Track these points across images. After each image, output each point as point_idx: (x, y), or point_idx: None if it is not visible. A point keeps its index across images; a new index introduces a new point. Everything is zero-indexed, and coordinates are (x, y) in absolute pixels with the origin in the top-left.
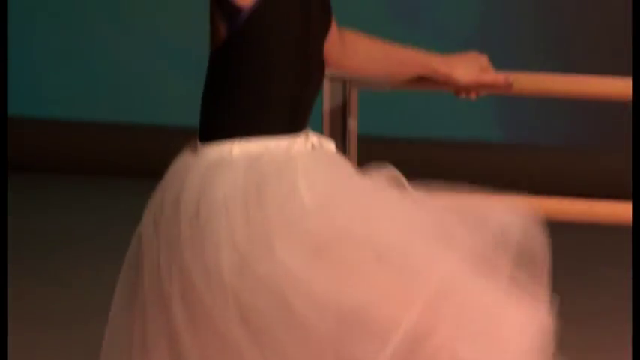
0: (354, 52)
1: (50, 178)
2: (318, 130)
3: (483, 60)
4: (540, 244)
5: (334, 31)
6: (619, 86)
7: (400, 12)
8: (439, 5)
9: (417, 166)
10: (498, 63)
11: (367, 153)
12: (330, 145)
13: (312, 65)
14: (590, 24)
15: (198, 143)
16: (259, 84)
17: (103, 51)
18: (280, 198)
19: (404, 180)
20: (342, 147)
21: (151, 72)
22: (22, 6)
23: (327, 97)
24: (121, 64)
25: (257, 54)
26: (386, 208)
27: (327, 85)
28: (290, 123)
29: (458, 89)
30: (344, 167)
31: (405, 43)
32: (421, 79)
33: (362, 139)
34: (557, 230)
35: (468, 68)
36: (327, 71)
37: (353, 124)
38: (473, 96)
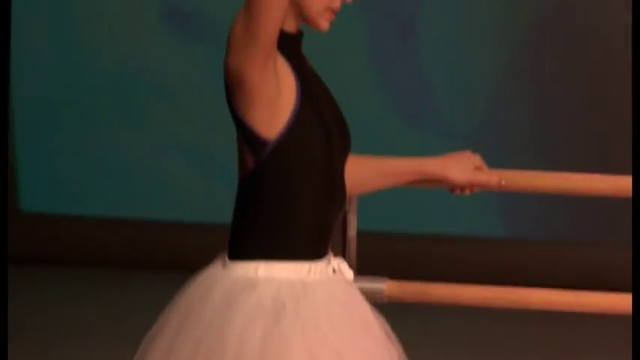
0: (347, 176)
1: (68, 270)
2: None
3: (476, 159)
4: None
5: None
6: (609, 183)
7: (405, 112)
8: (443, 106)
9: (417, 262)
10: (499, 159)
11: (367, 249)
12: (349, 273)
13: (335, 192)
14: (586, 126)
15: (227, 259)
16: (285, 211)
17: (119, 149)
18: (298, 328)
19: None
20: (342, 254)
21: (166, 168)
22: (40, 104)
23: None
24: (137, 160)
25: (283, 183)
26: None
27: None
28: (314, 247)
29: (453, 188)
30: (358, 306)
31: (410, 141)
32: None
33: (362, 235)
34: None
35: (462, 169)
36: None
37: (352, 234)
38: (467, 193)
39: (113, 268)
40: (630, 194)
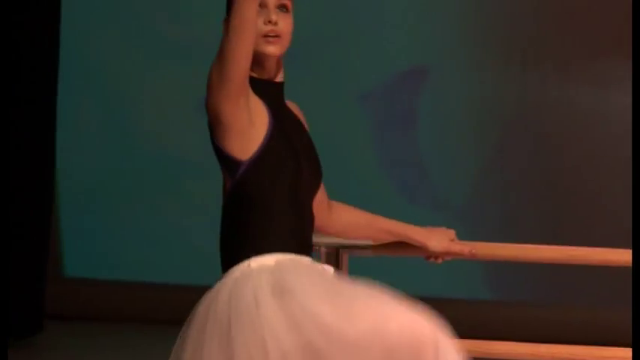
0: (338, 217)
1: (106, 326)
2: None
3: (451, 233)
4: None
5: (324, 198)
6: (558, 253)
7: (406, 190)
8: (437, 185)
9: None
10: (482, 230)
11: None
12: (329, 268)
13: (304, 208)
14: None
15: (222, 274)
16: (263, 219)
17: (155, 219)
18: (303, 283)
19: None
20: None
21: (195, 236)
22: (77, 177)
23: (323, 261)
24: (173, 226)
25: (257, 196)
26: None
27: (322, 252)
28: (295, 249)
29: (428, 255)
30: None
31: (406, 214)
32: (400, 245)
33: None
34: None
35: (440, 240)
36: (318, 237)
37: None
38: (439, 261)
39: (148, 325)
40: (579, 263)
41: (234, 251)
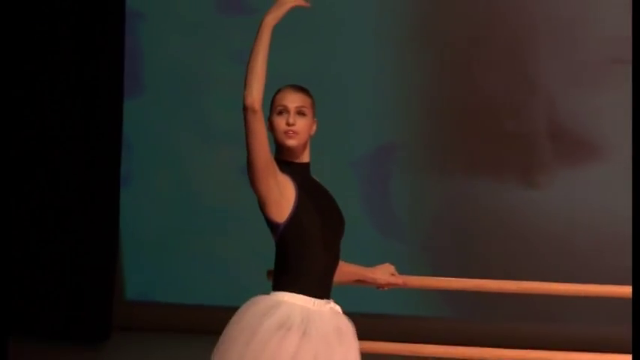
0: None
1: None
2: None
3: (391, 268)
4: None
5: None
6: (463, 284)
7: (382, 229)
8: (405, 226)
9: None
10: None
11: None
12: (339, 308)
13: (330, 255)
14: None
15: (272, 290)
16: (297, 264)
17: (209, 257)
18: (323, 329)
19: None
20: None
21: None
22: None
23: None
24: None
25: (293, 248)
26: None
27: None
28: (317, 290)
29: (378, 286)
30: (345, 328)
31: (385, 250)
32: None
33: None
34: None
35: (383, 274)
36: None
37: None
38: (385, 289)
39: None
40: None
41: (278, 279)
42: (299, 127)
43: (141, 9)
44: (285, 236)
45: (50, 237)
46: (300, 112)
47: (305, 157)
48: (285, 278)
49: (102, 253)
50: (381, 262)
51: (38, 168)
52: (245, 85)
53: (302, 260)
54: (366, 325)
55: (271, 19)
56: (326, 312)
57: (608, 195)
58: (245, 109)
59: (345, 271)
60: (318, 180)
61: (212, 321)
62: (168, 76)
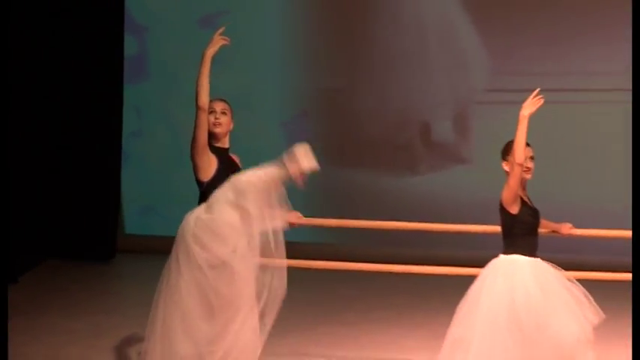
0: None
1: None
2: None
3: (299, 213)
4: None
5: None
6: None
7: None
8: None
9: None
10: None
11: None
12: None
13: None
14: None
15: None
16: None
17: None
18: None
19: None
20: None
21: None
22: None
23: None
24: None
25: (210, 195)
26: None
27: None
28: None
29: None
30: None
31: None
32: None
33: None
34: None
35: (293, 217)
36: None
37: None
38: (294, 226)
39: None
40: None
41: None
42: (222, 122)
43: (144, 23)
44: (207, 190)
45: (76, 185)
46: (223, 113)
47: (225, 144)
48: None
49: (108, 199)
50: (297, 197)
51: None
52: (196, 93)
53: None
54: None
55: (210, 52)
56: None
57: (461, 181)
58: (197, 107)
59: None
60: (236, 159)
61: None
62: (166, 68)
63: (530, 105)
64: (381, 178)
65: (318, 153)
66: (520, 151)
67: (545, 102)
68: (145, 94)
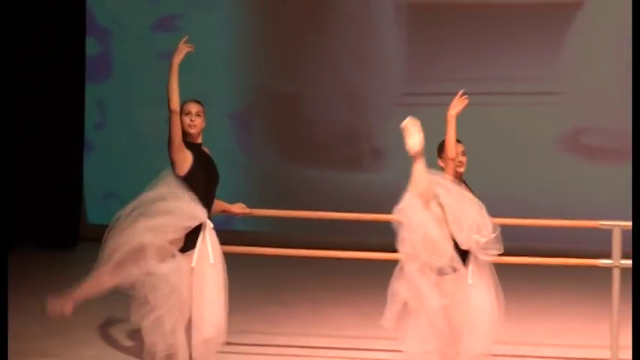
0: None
1: None
2: None
3: (243, 204)
4: None
5: None
6: None
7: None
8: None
9: None
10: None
11: None
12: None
13: (210, 195)
14: None
15: None
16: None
17: None
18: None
19: None
20: None
21: None
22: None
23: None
24: None
25: (190, 188)
26: None
27: None
28: (206, 207)
29: (234, 214)
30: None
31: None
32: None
33: None
34: None
35: (238, 208)
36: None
37: None
38: (238, 216)
39: None
40: None
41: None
42: (197, 123)
43: (106, 26)
44: (184, 182)
45: (40, 175)
46: (197, 114)
47: (199, 140)
48: None
49: (71, 192)
50: (245, 180)
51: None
52: (168, 98)
53: (195, 193)
54: (227, 236)
55: (177, 60)
56: (210, 230)
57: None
58: (170, 111)
59: (217, 205)
60: (207, 151)
61: None
62: (126, 67)
63: (456, 105)
64: (326, 172)
65: (269, 148)
66: (451, 147)
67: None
68: (107, 90)
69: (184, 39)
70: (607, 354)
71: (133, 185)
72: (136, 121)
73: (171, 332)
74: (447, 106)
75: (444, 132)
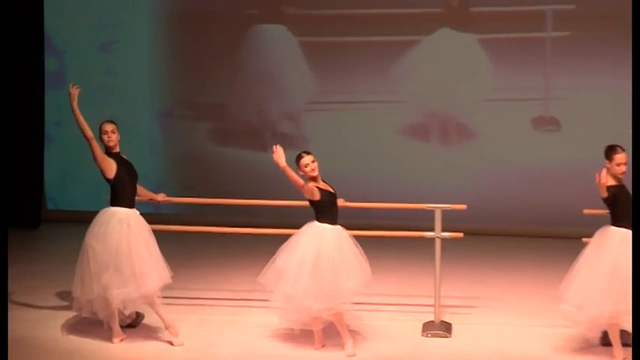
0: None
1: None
2: None
3: (164, 194)
4: None
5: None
6: None
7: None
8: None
9: None
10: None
11: None
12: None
13: (133, 189)
14: None
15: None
16: (120, 195)
17: None
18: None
19: None
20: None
21: None
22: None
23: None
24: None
25: (117, 187)
26: None
27: None
28: (129, 205)
29: (157, 202)
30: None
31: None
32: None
33: None
34: None
35: (160, 196)
36: None
37: None
38: (160, 203)
39: None
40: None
41: (112, 203)
42: (113, 138)
43: (61, 48)
44: (114, 184)
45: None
46: (113, 132)
47: (117, 149)
48: (113, 202)
49: (34, 178)
50: (171, 169)
51: None
52: (82, 131)
53: (119, 192)
54: (154, 218)
55: (74, 104)
56: (136, 215)
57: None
58: (87, 139)
59: (142, 193)
60: (125, 157)
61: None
62: (79, 79)
63: (280, 156)
64: (242, 158)
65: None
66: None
67: (350, 109)
68: (63, 97)
69: (70, 84)
70: (431, 301)
71: (84, 171)
72: (85, 119)
73: (105, 287)
74: (337, 110)
75: (334, 129)
